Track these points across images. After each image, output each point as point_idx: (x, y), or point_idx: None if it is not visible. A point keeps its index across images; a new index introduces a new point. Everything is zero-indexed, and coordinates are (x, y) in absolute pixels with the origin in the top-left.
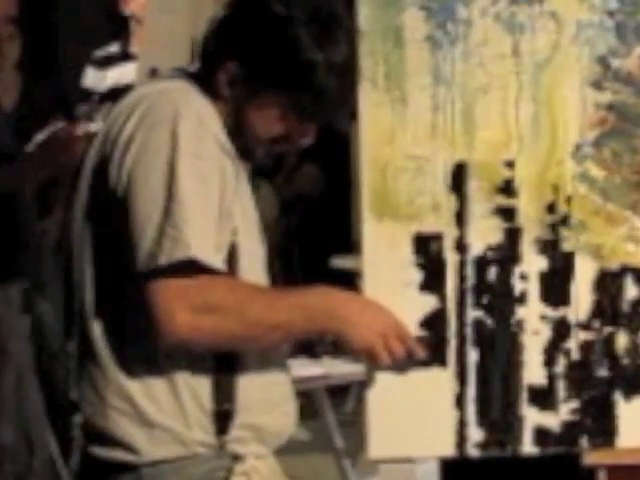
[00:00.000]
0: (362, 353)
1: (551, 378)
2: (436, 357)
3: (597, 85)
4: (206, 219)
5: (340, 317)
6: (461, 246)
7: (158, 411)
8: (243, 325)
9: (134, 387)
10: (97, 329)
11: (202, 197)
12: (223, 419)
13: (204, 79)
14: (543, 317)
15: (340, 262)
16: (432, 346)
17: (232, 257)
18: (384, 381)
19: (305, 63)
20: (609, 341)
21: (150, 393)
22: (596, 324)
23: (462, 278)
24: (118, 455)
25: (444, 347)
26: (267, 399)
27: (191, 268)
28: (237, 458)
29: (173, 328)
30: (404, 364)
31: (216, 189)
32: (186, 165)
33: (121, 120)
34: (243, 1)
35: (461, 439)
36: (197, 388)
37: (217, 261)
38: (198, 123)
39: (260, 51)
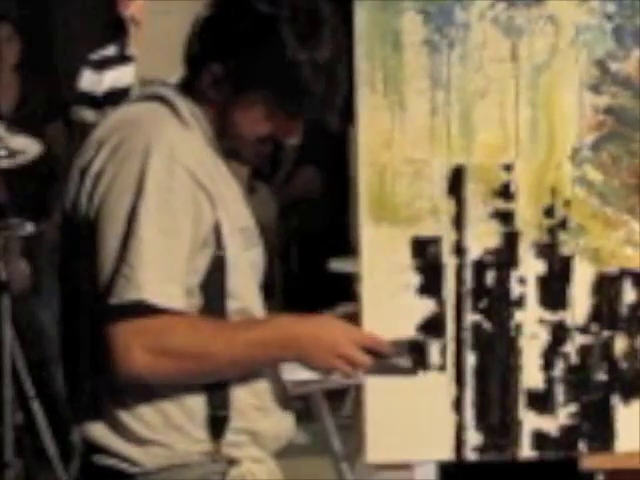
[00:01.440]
0: (327, 374)
1: (549, 382)
2: (433, 361)
3: (595, 88)
4: (168, 256)
5: (297, 348)
6: (459, 250)
7: (148, 429)
8: (201, 365)
9: (121, 408)
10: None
11: (167, 233)
12: (218, 425)
13: (189, 82)
14: (541, 321)
15: (338, 265)
16: (415, 351)
17: (219, 274)
18: (382, 385)
19: (289, 62)
20: (607, 345)
21: (137, 413)
22: (594, 328)
23: (460, 282)
24: (115, 464)
25: (442, 351)
26: (262, 404)
27: (145, 309)
28: (233, 462)
29: (129, 368)
30: (387, 367)
31: (188, 221)
32: (151, 202)
33: (93, 151)
34: (226, 0)
35: (459, 443)
36: (187, 400)
37: (174, 300)
38: (169, 156)
39: (244, 50)
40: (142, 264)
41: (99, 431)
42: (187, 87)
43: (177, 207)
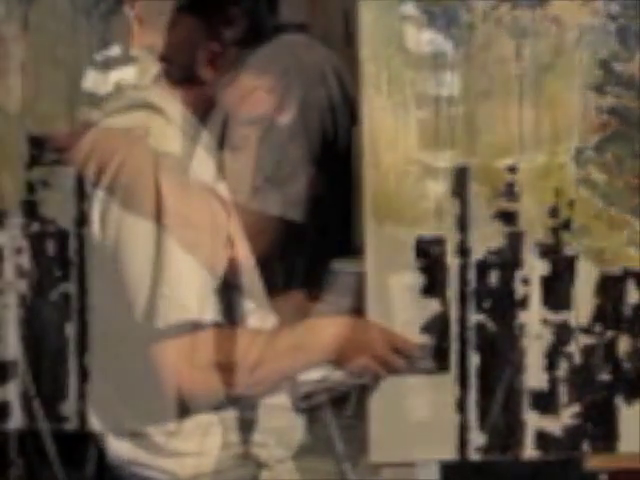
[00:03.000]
0: (359, 375)
1: (552, 382)
2: (438, 362)
3: (599, 89)
4: (198, 271)
5: (334, 350)
6: (463, 250)
7: (175, 440)
8: (247, 378)
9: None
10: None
11: (191, 248)
12: (247, 426)
13: (177, 67)
14: (545, 321)
15: (342, 265)
16: (435, 353)
17: (234, 276)
18: (385, 385)
19: (286, 40)
20: (611, 345)
21: (168, 425)
22: (598, 328)
23: (464, 282)
24: (152, 475)
25: (446, 351)
26: (283, 403)
27: (191, 326)
28: (261, 465)
29: (179, 389)
30: (412, 370)
31: (207, 233)
32: (173, 219)
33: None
34: None
35: (462, 443)
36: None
37: (213, 313)
38: (178, 167)
39: (237, 28)
40: (179, 282)
41: (128, 444)
42: (173, 74)
43: (196, 220)
